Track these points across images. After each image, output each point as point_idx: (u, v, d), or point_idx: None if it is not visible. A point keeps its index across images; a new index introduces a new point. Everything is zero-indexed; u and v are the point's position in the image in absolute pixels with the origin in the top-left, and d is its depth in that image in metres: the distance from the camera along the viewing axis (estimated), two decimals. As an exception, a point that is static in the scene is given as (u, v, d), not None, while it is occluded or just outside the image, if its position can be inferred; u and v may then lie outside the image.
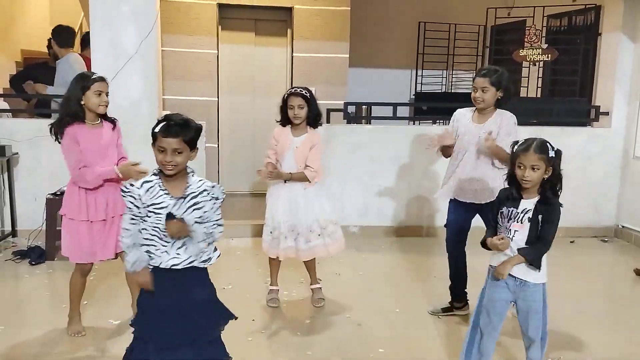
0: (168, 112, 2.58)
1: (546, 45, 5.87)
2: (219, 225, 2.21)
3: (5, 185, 4.81)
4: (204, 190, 2.17)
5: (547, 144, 2.34)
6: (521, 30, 6.28)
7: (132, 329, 2.27)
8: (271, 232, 3.50)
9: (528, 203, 2.37)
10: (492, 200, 2.74)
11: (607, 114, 5.56)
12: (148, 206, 2.13)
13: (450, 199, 3.43)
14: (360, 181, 5.31)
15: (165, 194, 2.14)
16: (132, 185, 2.16)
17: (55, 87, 5.02)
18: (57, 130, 3.05)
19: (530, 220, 2.34)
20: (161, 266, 2.17)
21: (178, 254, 2.17)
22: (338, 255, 4.72)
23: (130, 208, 2.15)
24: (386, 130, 5.40)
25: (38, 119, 5.11)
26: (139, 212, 2.14)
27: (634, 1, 5.30)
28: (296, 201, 3.46)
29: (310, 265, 3.69)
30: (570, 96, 6.44)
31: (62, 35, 5.20)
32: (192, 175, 2.20)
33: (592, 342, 3.23)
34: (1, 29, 7.10)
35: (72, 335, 3.10)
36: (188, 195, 2.15)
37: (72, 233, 3.03)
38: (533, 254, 2.35)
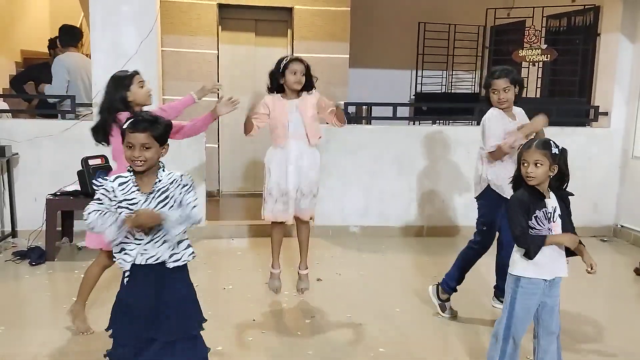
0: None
1: (545, 45, 5.88)
2: (194, 206, 2.20)
3: (5, 186, 4.81)
4: (173, 180, 2.19)
5: (551, 142, 2.38)
6: (521, 30, 6.29)
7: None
8: (276, 200, 3.51)
9: (552, 201, 2.40)
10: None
11: (606, 114, 5.57)
12: (120, 202, 2.15)
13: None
14: (361, 181, 5.31)
15: (137, 190, 2.16)
16: (105, 179, 2.19)
17: (51, 85, 5.04)
18: (104, 133, 3.04)
19: (560, 217, 2.40)
20: (136, 262, 2.17)
21: (145, 249, 2.16)
22: (339, 255, 4.76)
23: (100, 199, 2.17)
24: (386, 131, 5.40)
25: (38, 120, 5.13)
26: (107, 207, 2.16)
27: (633, 2, 5.31)
28: (301, 161, 3.51)
29: (305, 242, 3.70)
30: (570, 96, 6.46)
31: (63, 35, 5.22)
32: (162, 170, 2.22)
33: (592, 342, 3.24)
34: (1, 29, 7.10)
35: (79, 333, 3.08)
36: (158, 190, 2.17)
37: None
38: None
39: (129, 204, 2.15)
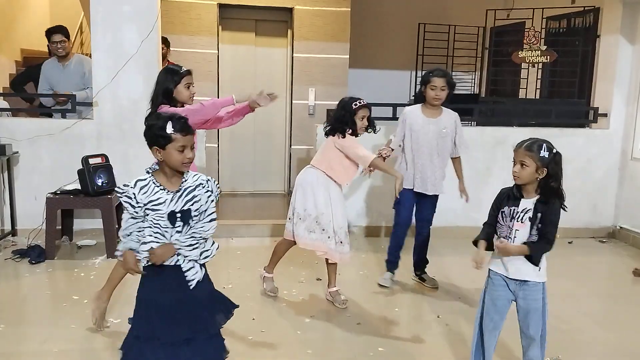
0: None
1: (545, 46, 5.89)
2: (213, 219, 2.23)
3: (5, 184, 4.82)
4: (200, 184, 2.20)
5: (544, 144, 2.35)
6: (520, 31, 6.30)
7: (130, 327, 2.26)
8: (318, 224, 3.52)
9: (528, 203, 2.40)
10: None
11: (605, 115, 5.59)
12: (145, 204, 2.14)
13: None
14: (361, 181, 5.32)
15: (161, 189, 2.15)
16: (126, 185, 2.16)
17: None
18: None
19: (530, 219, 2.37)
20: (165, 263, 2.17)
21: (181, 248, 2.16)
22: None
23: (127, 208, 2.17)
24: (386, 131, 5.40)
25: (38, 119, 5.13)
26: (136, 212, 2.15)
27: (632, 4, 5.33)
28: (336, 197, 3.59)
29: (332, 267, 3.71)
30: (569, 98, 6.47)
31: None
32: (187, 171, 2.22)
33: (591, 342, 3.25)
34: (2, 28, 7.11)
35: (98, 329, 3.10)
36: (185, 188, 2.17)
37: None
38: (536, 249, 2.37)
39: (155, 205, 2.13)
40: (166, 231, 2.15)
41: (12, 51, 7.43)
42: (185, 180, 2.20)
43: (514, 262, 2.42)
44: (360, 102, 3.54)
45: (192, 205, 2.17)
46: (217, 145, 6.51)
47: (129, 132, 4.79)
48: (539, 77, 6.55)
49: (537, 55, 5.87)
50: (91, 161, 4.36)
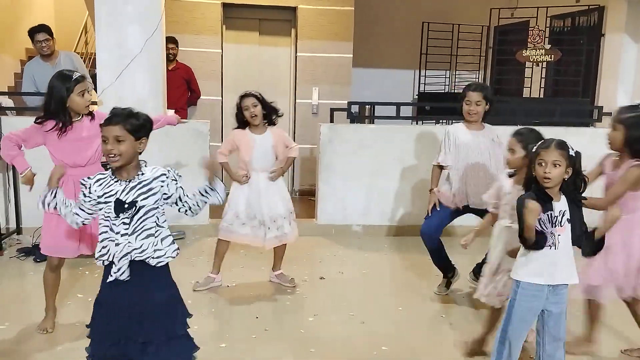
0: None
1: (549, 45, 5.88)
2: (187, 198, 2.26)
3: (10, 183, 4.83)
4: (161, 174, 2.18)
5: (567, 143, 2.34)
6: (524, 30, 6.30)
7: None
8: (244, 223, 3.72)
9: (561, 205, 2.33)
10: None
11: (610, 114, 5.55)
12: (99, 197, 2.15)
13: None
14: (363, 180, 5.32)
15: (115, 181, 2.16)
16: (89, 178, 2.20)
17: None
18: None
19: (569, 220, 2.32)
20: (117, 254, 2.14)
21: (130, 242, 2.14)
22: (341, 254, 4.78)
23: (80, 197, 2.22)
24: (389, 130, 5.41)
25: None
26: (84, 201, 2.19)
27: (637, 2, 5.31)
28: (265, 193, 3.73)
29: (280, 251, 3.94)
30: (573, 97, 6.45)
31: None
32: (145, 165, 2.22)
33: (602, 344, 3.24)
34: (6, 28, 7.14)
35: (39, 331, 3.10)
36: (140, 181, 2.15)
37: (44, 224, 3.05)
38: (592, 246, 2.41)
39: (108, 197, 2.14)
40: (114, 224, 2.14)
41: (16, 51, 7.47)
42: (142, 174, 2.18)
43: (556, 267, 2.35)
44: (242, 93, 3.71)
45: (148, 198, 2.14)
46: (220, 144, 6.51)
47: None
48: (543, 76, 6.55)
49: (542, 54, 5.87)
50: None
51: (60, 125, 2.99)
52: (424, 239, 3.71)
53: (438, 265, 3.83)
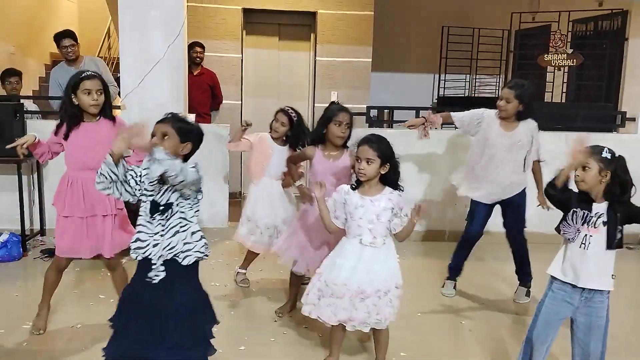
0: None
1: (571, 50, 5.81)
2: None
3: (35, 185, 4.93)
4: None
5: (604, 147, 2.32)
6: (546, 35, 6.24)
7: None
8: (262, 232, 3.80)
9: (600, 207, 2.31)
10: None
11: (633, 119, 5.48)
12: (145, 189, 2.19)
13: None
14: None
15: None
16: (138, 167, 2.25)
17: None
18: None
19: (605, 223, 2.29)
20: (148, 253, 2.17)
21: (156, 240, 2.16)
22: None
23: (134, 181, 2.23)
24: (408, 134, 5.39)
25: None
26: (136, 186, 2.21)
27: (662, 6, 5.23)
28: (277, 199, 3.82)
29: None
30: (596, 101, 6.37)
31: None
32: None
33: (617, 354, 3.19)
34: (32, 33, 7.29)
35: (32, 332, 3.13)
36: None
37: (58, 226, 3.05)
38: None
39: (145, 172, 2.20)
40: (150, 222, 2.19)
41: (41, 55, 7.62)
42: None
43: (586, 267, 2.32)
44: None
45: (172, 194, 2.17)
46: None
47: (154, 134, 4.86)
48: (565, 80, 6.47)
49: (563, 59, 5.81)
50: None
51: (68, 120, 2.98)
52: (473, 241, 3.90)
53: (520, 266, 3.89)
